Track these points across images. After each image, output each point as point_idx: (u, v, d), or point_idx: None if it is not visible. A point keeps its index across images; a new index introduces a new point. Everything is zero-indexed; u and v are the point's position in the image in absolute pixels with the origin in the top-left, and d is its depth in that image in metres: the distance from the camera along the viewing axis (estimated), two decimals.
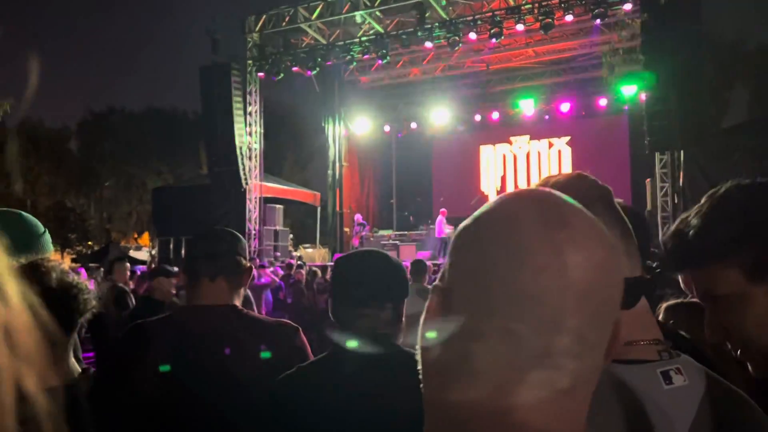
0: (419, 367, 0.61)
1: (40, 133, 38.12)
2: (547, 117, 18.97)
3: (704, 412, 0.94)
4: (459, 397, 0.55)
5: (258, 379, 1.70)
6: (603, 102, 17.73)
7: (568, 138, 19.85)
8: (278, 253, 17.32)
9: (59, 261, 1.57)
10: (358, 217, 18.50)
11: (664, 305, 2.46)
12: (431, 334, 0.59)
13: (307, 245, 19.11)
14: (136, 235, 43.99)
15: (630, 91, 15.99)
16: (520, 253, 0.56)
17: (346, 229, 19.36)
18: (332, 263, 13.58)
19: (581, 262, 0.55)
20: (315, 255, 17.37)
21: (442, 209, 17.12)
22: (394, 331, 1.65)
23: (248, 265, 2.09)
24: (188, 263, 2.03)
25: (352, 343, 1.58)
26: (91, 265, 12.93)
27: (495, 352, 0.54)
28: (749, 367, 1.11)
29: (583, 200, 0.90)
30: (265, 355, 1.84)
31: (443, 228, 16.64)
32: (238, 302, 2.03)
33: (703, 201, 1.14)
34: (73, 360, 1.56)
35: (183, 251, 15.46)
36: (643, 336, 0.97)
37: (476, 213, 0.63)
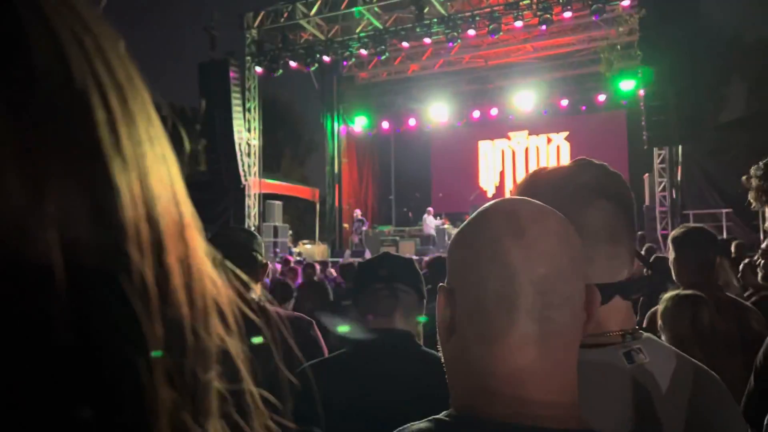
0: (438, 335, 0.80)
1: None
2: (545, 112, 18.96)
3: (674, 387, 1.00)
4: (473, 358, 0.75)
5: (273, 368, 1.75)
6: (601, 97, 17.74)
7: (566, 133, 19.87)
8: (278, 249, 17.34)
9: None
10: (357, 212, 18.51)
11: (664, 296, 2.50)
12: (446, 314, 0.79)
13: (306, 241, 19.10)
14: None
15: (628, 86, 16.00)
16: (486, 260, 0.74)
17: (345, 225, 19.38)
18: (331, 259, 13.60)
19: (532, 269, 0.72)
20: (314, 251, 17.36)
21: (429, 207, 17.22)
22: (413, 323, 1.71)
23: (264, 260, 2.17)
24: None
25: (369, 338, 1.62)
26: None
27: (478, 329, 0.74)
28: None
29: (573, 196, 0.98)
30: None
31: (430, 224, 16.75)
32: (254, 296, 2.10)
33: None
34: None
35: None
36: (614, 327, 1.05)
37: (465, 222, 0.81)
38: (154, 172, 0.33)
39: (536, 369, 0.72)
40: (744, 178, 1.59)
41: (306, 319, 2.14)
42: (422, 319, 1.71)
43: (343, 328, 1.85)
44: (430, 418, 0.78)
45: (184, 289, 0.33)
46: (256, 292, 2.18)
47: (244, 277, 0.41)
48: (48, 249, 0.27)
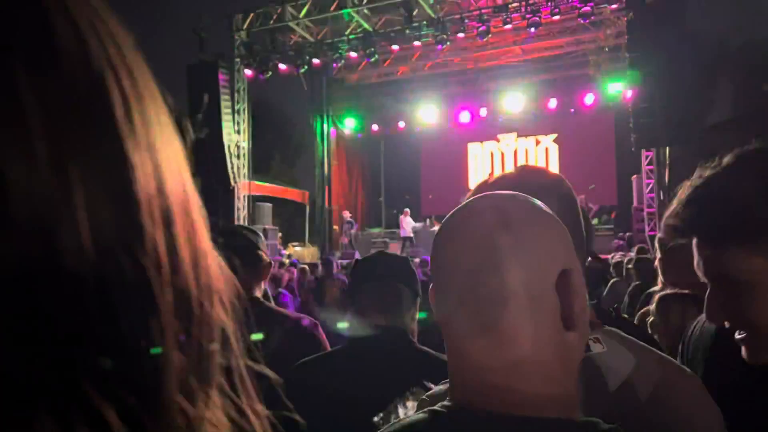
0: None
1: None
2: (534, 114, 19.05)
3: (634, 379, 1.01)
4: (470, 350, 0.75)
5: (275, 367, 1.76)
6: (589, 99, 17.82)
7: (555, 135, 19.97)
8: (267, 251, 17.28)
9: None
10: (345, 214, 18.49)
11: (657, 296, 2.51)
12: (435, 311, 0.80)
13: (296, 243, 19.06)
14: None
15: (616, 88, 16.11)
16: (470, 253, 0.74)
17: (335, 227, 19.36)
18: (320, 260, 13.58)
19: (516, 262, 0.71)
20: (304, 253, 17.34)
21: (406, 209, 17.22)
22: (408, 321, 1.72)
23: (268, 260, 2.19)
24: None
25: (364, 335, 1.63)
26: None
27: (461, 321, 0.74)
28: (743, 353, 1.10)
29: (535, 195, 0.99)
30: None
31: (406, 226, 16.73)
32: (259, 294, 2.14)
33: (728, 161, 1.07)
34: None
35: None
36: None
37: (446, 217, 0.81)
38: (163, 150, 0.36)
39: (526, 360, 0.72)
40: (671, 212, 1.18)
41: (311, 320, 2.17)
42: (422, 315, 1.72)
43: (339, 326, 1.86)
44: (426, 409, 0.79)
45: (190, 261, 0.36)
46: (260, 290, 2.21)
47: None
48: (77, 222, 0.30)
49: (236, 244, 2.09)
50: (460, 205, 0.81)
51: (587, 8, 12.91)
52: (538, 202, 0.79)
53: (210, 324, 0.37)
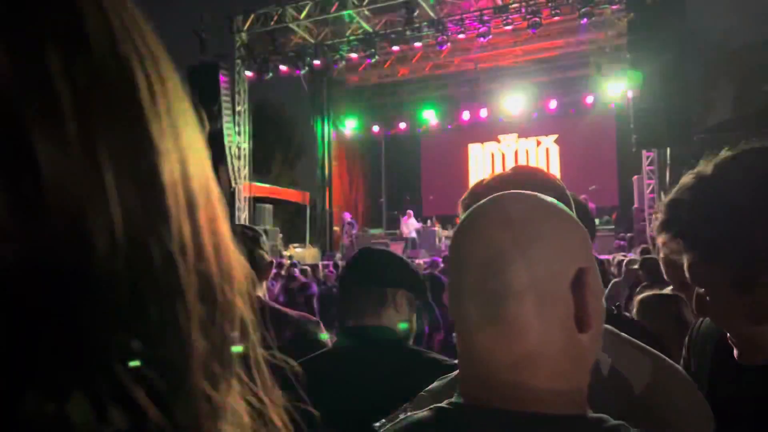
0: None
1: None
2: (535, 115, 19.04)
3: (613, 371, 1.03)
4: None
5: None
6: (590, 100, 17.83)
7: (555, 136, 19.96)
8: (268, 250, 17.26)
9: None
10: (346, 215, 18.48)
11: (637, 298, 2.52)
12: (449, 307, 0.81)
13: (296, 245, 19.05)
14: None
15: (617, 89, 16.10)
16: (481, 248, 0.75)
17: (336, 228, 19.35)
18: (324, 262, 13.57)
19: (526, 258, 0.71)
20: (305, 254, 17.31)
21: (409, 210, 17.21)
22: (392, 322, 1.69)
23: (269, 259, 2.19)
24: None
25: (355, 335, 1.62)
26: None
27: (471, 314, 0.75)
28: (734, 353, 1.12)
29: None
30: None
31: (409, 227, 16.69)
32: (260, 293, 2.14)
33: (712, 171, 1.10)
34: None
35: None
36: None
37: (463, 215, 0.83)
38: (186, 137, 0.36)
39: (533, 355, 0.71)
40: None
41: (313, 319, 2.18)
42: (402, 325, 1.68)
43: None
44: (432, 406, 0.78)
45: (212, 247, 0.36)
46: (262, 290, 2.22)
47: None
48: (108, 204, 0.30)
49: (237, 244, 2.10)
50: (476, 204, 0.82)
51: (587, 8, 12.92)
52: (555, 201, 0.80)
53: (231, 311, 0.37)
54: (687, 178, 1.15)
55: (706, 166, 1.13)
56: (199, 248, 0.35)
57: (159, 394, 0.31)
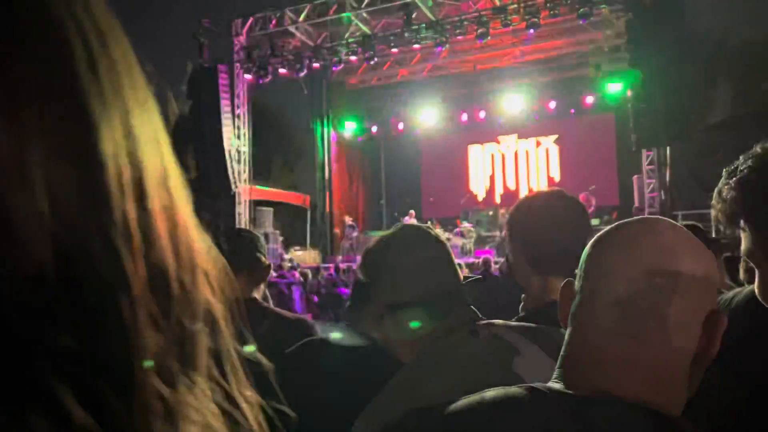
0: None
1: None
2: (534, 116, 19.03)
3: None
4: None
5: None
6: (590, 100, 17.81)
7: (555, 136, 19.95)
8: (267, 253, 17.25)
9: None
10: (347, 218, 18.48)
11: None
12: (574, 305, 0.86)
13: (297, 247, 19.04)
14: None
15: (616, 88, 16.08)
16: (646, 264, 0.79)
17: (337, 231, 19.34)
18: (324, 265, 13.57)
19: (680, 292, 0.76)
20: (306, 257, 17.31)
21: (411, 211, 17.20)
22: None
23: (267, 262, 2.21)
24: None
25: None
26: None
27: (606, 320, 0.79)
28: None
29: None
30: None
31: None
32: (257, 295, 2.16)
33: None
34: None
35: None
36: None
37: (614, 227, 0.87)
38: (136, 116, 0.33)
39: (656, 369, 0.76)
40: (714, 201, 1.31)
41: (308, 321, 2.21)
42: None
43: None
44: (525, 385, 0.79)
45: (168, 237, 0.33)
46: (259, 292, 2.23)
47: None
48: (32, 182, 0.27)
49: (235, 246, 2.11)
50: (633, 219, 0.87)
51: (586, 8, 12.91)
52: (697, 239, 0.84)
53: (192, 303, 0.35)
54: (755, 161, 1.17)
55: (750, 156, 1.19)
56: (150, 237, 0.32)
57: (96, 395, 0.28)
